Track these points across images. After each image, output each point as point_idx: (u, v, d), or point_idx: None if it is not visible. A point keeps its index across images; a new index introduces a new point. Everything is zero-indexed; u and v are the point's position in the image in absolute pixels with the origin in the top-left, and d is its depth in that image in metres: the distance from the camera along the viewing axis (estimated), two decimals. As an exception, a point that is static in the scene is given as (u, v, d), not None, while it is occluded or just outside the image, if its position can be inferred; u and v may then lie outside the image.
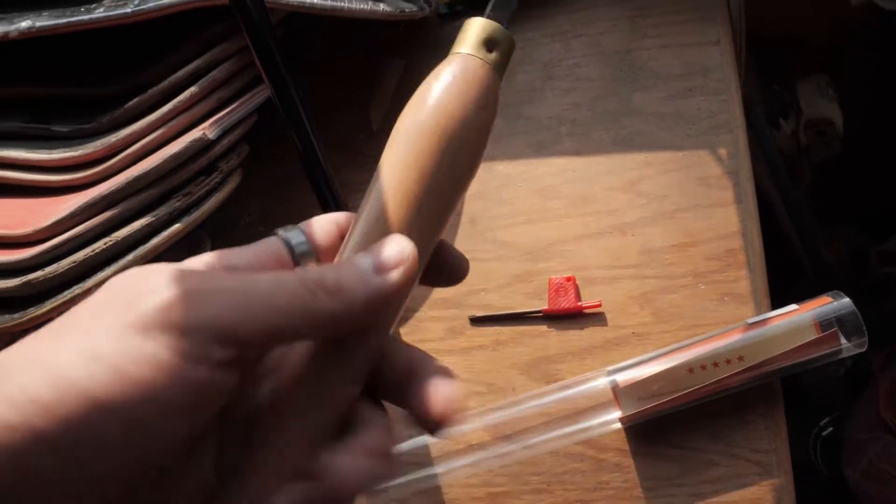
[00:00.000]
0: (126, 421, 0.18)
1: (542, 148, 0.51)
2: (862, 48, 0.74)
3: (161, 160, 0.45)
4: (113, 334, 0.19)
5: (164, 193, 0.46)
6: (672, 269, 0.44)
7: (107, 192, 0.45)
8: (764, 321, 0.39)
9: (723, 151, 0.47)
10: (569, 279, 0.45)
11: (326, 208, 0.45)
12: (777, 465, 0.38)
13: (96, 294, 0.21)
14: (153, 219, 0.45)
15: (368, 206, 0.24)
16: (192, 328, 0.19)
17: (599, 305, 0.44)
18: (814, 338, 0.37)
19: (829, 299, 0.38)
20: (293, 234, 0.25)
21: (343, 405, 0.22)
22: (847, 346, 0.37)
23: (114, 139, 0.48)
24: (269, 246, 0.24)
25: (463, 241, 0.49)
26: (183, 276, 0.20)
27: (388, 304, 0.22)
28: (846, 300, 0.38)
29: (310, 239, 0.25)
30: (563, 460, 0.41)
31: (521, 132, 0.52)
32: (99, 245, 0.45)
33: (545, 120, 0.52)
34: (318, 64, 0.61)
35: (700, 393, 0.38)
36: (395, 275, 0.22)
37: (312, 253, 0.25)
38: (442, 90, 0.25)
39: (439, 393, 0.22)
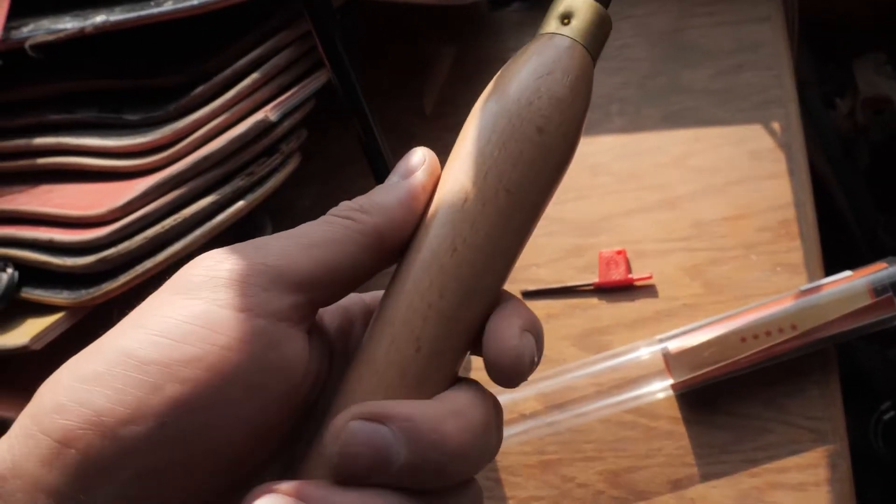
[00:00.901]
0: (181, 382, 0.18)
1: (592, 126, 0.51)
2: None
3: (226, 142, 0.47)
4: (167, 307, 0.19)
5: (229, 173, 0.48)
6: (723, 241, 0.44)
7: (175, 173, 0.48)
8: (817, 288, 0.39)
9: (775, 125, 0.47)
10: (619, 252, 0.46)
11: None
12: (832, 432, 0.38)
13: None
14: (219, 197, 0.47)
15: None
16: (239, 279, 0.19)
17: (650, 278, 0.45)
18: (868, 303, 0.37)
19: (885, 265, 0.38)
20: None
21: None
22: (904, 312, 0.37)
23: (181, 125, 0.51)
24: None
25: (513, 219, 0.50)
26: (230, 247, 0.20)
27: (420, 202, 0.22)
28: (903, 265, 0.38)
29: None
30: (615, 428, 0.42)
31: (570, 112, 0.53)
32: (168, 222, 0.47)
33: (595, 99, 0.52)
34: (370, 49, 0.63)
35: (752, 360, 0.38)
36: (419, 174, 0.22)
37: None
38: (518, 71, 0.22)
39: (508, 339, 0.20)
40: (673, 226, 0.46)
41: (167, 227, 0.46)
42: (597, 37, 0.23)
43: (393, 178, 0.23)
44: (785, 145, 0.46)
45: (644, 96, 0.51)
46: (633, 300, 0.45)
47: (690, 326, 0.40)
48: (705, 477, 0.39)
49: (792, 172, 0.45)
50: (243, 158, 0.48)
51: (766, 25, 0.50)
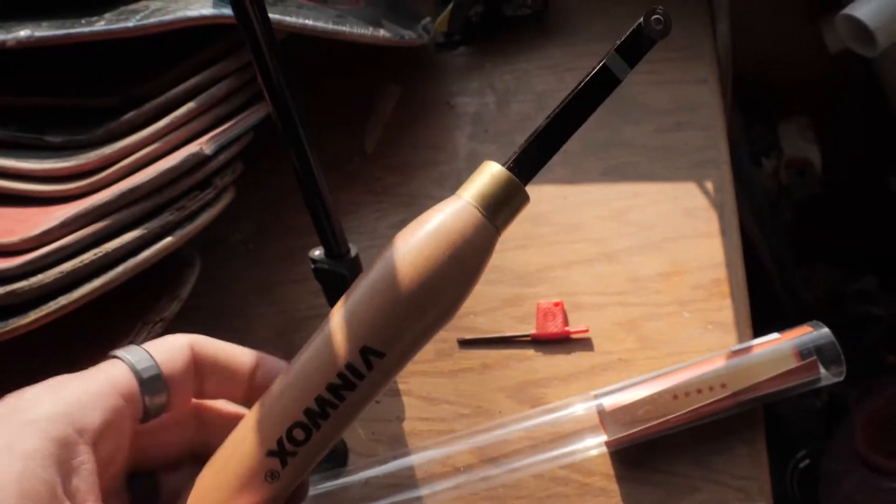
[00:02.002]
0: None
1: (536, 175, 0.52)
2: (841, 92, 0.76)
3: (156, 173, 0.45)
4: None
5: (157, 207, 0.46)
6: (658, 297, 0.45)
7: (99, 203, 0.45)
8: (746, 349, 0.39)
9: (709, 185, 0.48)
10: (557, 304, 0.46)
11: (321, 227, 0.45)
12: (758, 491, 0.38)
13: None
14: (145, 231, 0.45)
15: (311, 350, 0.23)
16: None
17: (587, 331, 0.45)
18: (794, 366, 0.38)
19: (810, 329, 0.39)
20: (137, 357, 0.24)
21: None
22: (826, 375, 0.38)
23: (108, 151, 0.48)
24: (112, 375, 0.23)
25: (453, 264, 0.50)
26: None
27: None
28: (825, 330, 0.39)
29: (160, 364, 0.24)
30: (549, 484, 0.41)
31: (512, 159, 0.53)
32: (88, 256, 0.44)
33: (537, 148, 0.53)
34: (315, 86, 0.62)
35: (684, 419, 0.39)
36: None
37: (162, 380, 0.24)
38: (432, 238, 0.22)
39: None
40: (610, 279, 0.46)
41: (86, 262, 0.43)
42: (510, 221, 0.24)
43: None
44: (718, 205, 0.47)
45: (586, 149, 0.52)
46: (569, 353, 0.45)
47: (625, 383, 0.41)
48: (636, 536, 0.39)
49: (724, 232, 0.46)
50: (174, 192, 0.46)
51: (704, 87, 0.52)
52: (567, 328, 0.45)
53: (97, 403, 0.22)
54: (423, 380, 0.46)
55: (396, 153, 0.56)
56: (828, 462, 0.74)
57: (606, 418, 0.40)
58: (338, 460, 0.44)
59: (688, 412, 0.38)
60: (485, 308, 0.48)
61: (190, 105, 0.48)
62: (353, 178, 0.56)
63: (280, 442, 0.22)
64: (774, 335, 0.40)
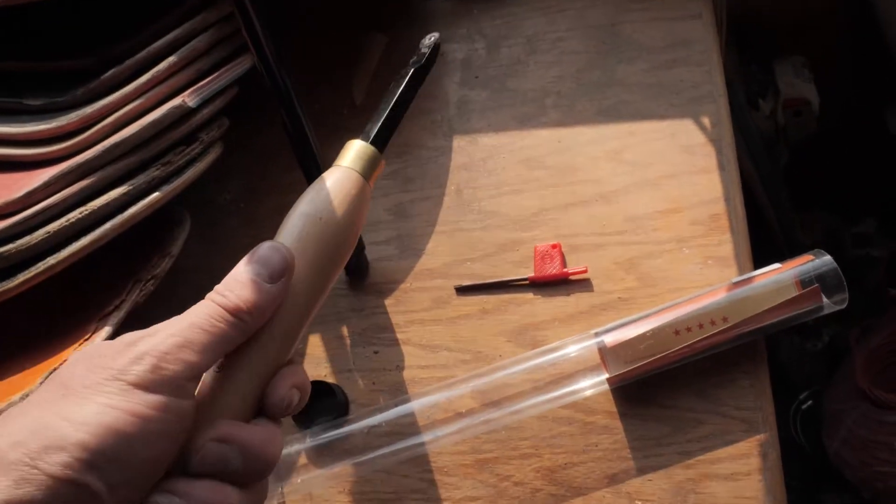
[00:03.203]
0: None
1: (526, 120, 0.51)
2: (837, 29, 0.75)
3: (139, 128, 0.44)
4: (106, 391, 0.25)
5: (143, 162, 0.45)
6: (657, 234, 0.44)
7: (82, 161, 0.44)
8: (748, 280, 0.39)
9: (706, 120, 0.47)
10: (554, 246, 0.45)
11: (312, 179, 0.44)
12: (762, 421, 0.38)
13: (67, 367, 0.26)
14: (130, 188, 0.44)
15: None
16: (141, 384, 0.25)
17: (586, 271, 0.44)
18: (795, 295, 0.37)
19: (811, 257, 0.39)
20: None
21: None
22: (828, 304, 0.38)
23: (89, 111, 0.47)
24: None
25: (448, 212, 0.49)
26: (136, 337, 0.26)
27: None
28: (827, 257, 0.38)
29: None
30: (551, 424, 0.41)
31: (505, 104, 0.52)
32: (74, 215, 0.43)
33: (530, 92, 0.52)
34: (302, 40, 0.60)
35: (686, 352, 0.38)
36: (284, 281, 0.28)
37: None
38: (326, 193, 0.31)
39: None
40: (608, 220, 0.46)
41: (72, 221, 0.43)
42: (374, 172, 0.33)
43: (263, 275, 0.28)
44: (715, 140, 0.46)
45: (579, 90, 0.51)
46: (568, 294, 0.44)
47: (625, 320, 0.40)
48: (641, 470, 0.39)
49: (722, 167, 0.45)
50: (159, 146, 0.45)
51: (698, 22, 0.51)
52: (565, 269, 0.44)
53: None
54: (421, 328, 0.46)
55: (386, 104, 0.55)
56: (830, 402, 0.74)
57: (608, 355, 0.39)
58: (339, 410, 0.44)
59: (689, 345, 0.38)
60: (481, 254, 0.47)
61: (171, 59, 0.47)
62: (342, 131, 0.55)
63: None
64: (776, 265, 0.40)
